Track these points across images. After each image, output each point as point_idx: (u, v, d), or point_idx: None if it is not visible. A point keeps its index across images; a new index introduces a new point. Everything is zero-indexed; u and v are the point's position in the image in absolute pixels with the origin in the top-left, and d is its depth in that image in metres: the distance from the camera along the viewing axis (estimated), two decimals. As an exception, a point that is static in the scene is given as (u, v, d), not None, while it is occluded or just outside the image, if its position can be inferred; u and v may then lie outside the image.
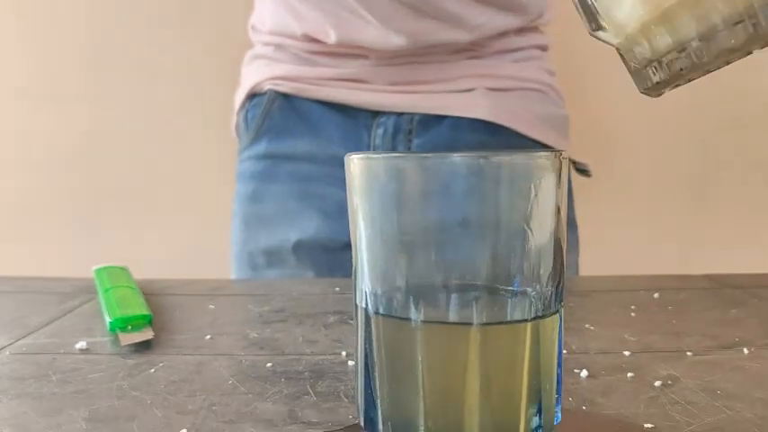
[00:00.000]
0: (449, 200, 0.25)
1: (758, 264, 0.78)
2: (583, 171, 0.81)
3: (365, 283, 0.26)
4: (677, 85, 0.28)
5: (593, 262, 0.85)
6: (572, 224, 0.80)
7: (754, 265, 0.74)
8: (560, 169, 0.26)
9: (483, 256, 0.25)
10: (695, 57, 0.26)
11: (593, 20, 0.30)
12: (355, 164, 0.26)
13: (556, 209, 0.26)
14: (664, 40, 0.27)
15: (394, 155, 0.26)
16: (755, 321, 0.50)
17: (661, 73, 0.28)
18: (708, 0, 0.25)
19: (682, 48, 0.26)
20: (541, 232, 0.26)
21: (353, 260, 0.27)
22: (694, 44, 0.26)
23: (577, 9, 0.30)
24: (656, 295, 0.58)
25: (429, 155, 0.25)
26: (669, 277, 0.65)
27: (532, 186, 0.25)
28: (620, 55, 0.29)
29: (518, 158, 0.25)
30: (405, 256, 0.25)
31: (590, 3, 0.29)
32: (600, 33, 0.29)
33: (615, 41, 0.29)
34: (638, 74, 0.29)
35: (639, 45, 0.28)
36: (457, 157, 0.25)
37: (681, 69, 0.27)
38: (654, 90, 0.28)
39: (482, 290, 0.25)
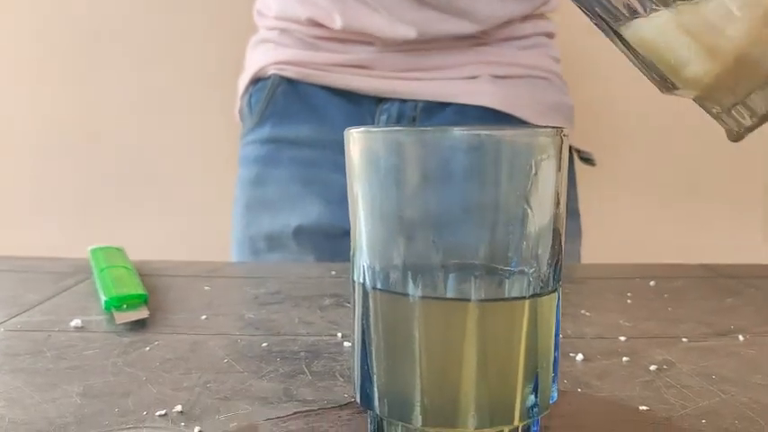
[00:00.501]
0: (448, 174, 0.25)
1: (756, 254, 0.79)
2: (587, 160, 0.81)
3: (363, 258, 0.26)
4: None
5: (595, 251, 0.85)
6: (574, 213, 0.80)
7: (751, 256, 0.74)
8: (561, 146, 0.26)
9: (482, 231, 0.25)
10: None
11: (664, 83, 0.30)
12: (355, 138, 0.26)
13: (556, 186, 0.26)
14: (744, 84, 0.28)
15: (394, 129, 0.25)
16: (751, 309, 0.50)
17: (747, 114, 0.29)
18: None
19: (763, 86, 0.27)
20: (541, 210, 0.25)
21: (351, 236, 0.27)
22: None
23: (647, 75, 0.31)
24: (652, 283, 0.58)
25: (429, 129, 0.25)
26: (665, 266, 0.65)
27: (533, 163, 0.25)
28: (699, 104, 0.30)
29: (519, 134, 0.25)
30: (403, 231, 0.25)
31: (659, 70, 0.29)
32: (676, 92, 0.30)
33: (692, 96, 0.30)
34: (722, 118, 0.30)
35: (718, 93, 0.29)
36: (457, 132, 0.24)
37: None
38: (746, 132, 0.30)
39: (480, 268, 0.25)
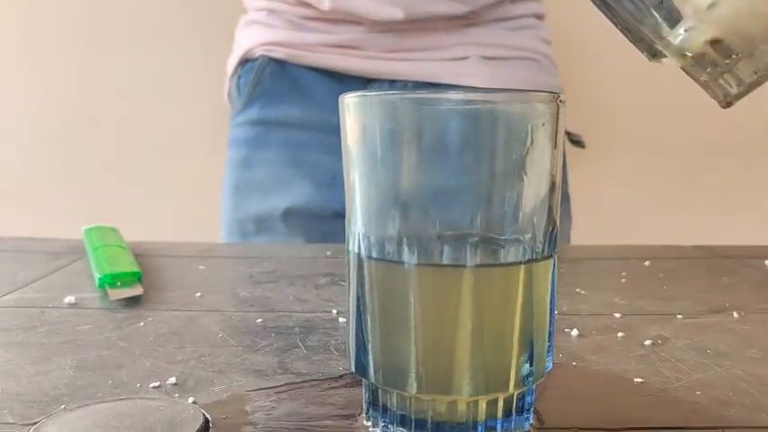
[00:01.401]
0: (443, 140, 0.24)
1: (751, 237, 0.79)
2: (577, 142, 0.81)
3: (358, 227, 0.26)
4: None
5: (585, 233, 0.85)
6: (565, 195, 0.80)
7: (746, 238, 0.74)
8: (557, 113, 0.26)
9: (478, 198, 0.25)
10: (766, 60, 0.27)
11: (649, 49, 0.30)
12: (350, 104, 0.26)
13: (552, 152, 0.26)
14: (729, 52, 0.28)
15: (389, 93, 0.25)
16: (746, 288, 0.50)
17: (734, 82, 0.29)
18: (762, 4, 0.26)
19: (750, 53, 0.27)
20: (537, 176, 0.25)
21: (346, 206, 0.27)
22: (762, 48, 0.27)
23: (630, 41, 0.30)
24: (646, 263, 0.58)
25: (424, 93, 0.25)
26: (660, 247, 0.65)
27: (529, 128, 0.24)
28: (686, 72, 0.30)
29: (514, 97, 0.25)
30: (399, 199, 0.25)
31: (644, 34, 0.29)
32: (662, 60, 0.30)
33: (679, 64, 0.30)
34: (710, 87, 0.30)
35: (705, 61, 0.29)
36: (452, 95, 0.24)
37: (755, 73, 0.28)
38: (735, 99, 0.29)
39: (476, 235, 0.25)
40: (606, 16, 0.32)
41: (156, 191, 1.24)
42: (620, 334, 0.39)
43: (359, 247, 0.26)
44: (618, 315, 0.43)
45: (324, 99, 0.75)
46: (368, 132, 0.25)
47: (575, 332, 0.39)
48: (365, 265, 0.26)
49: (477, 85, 0.73)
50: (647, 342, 0.38)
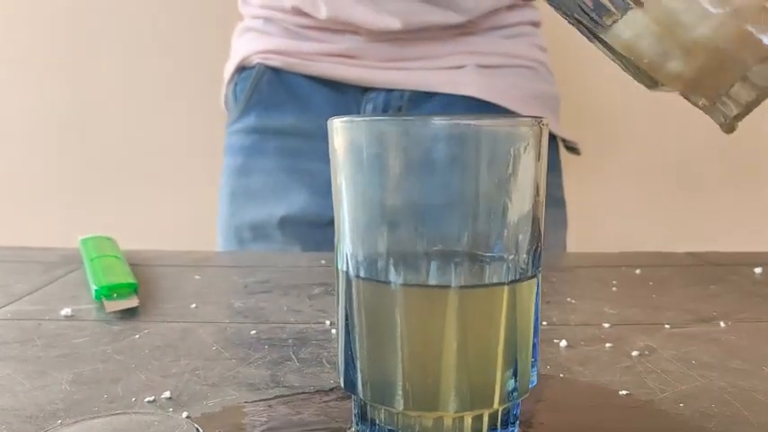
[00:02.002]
0: (430, 163, 0.25)
1: (743, 242, 0.79)
2: (572, 149, 0.82)
3: (346, 246, 0.27)
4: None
5: (580, 239, 0.86)
6: (560, 202, 0.81)
7: (738, 244, 0.75)
8: (540, 136, 0.26)
9: (463, 219, 0.25)
10: (759, 80, 0.28)
11: (646, 79, 0.30)
12: (338, 127, 0.27)
13: (535, 174, 0.26)
14: (724, 78, 0.28)
15: (376, 118, 0.26)
16: (733, 297, 0.51)
17: (732, 105, 0.29)
18: (749, 32, 0.27)
19: (743, 78, 0.28)
20: (520, 198, 0.26)
21: (335, 225, 0.28)
22: (754, 68, 0.27)
23: (630, 73, 0.31)
24: (637, 271, 0.59)
25: (411, 118, 0.25)
26: (652, 254, 0.66)
27: (512, 152, 0.25)
28: (685, 98, 0.31)
29: (498, 123, 0.26)
30: (386, 219, 0.26)
31: (640, 66, 0.30)
32: (658, 89, 0.31)
33: (676, 91, 0.30)
34: (710, 111, 0.30)
35: (700, 88, 0.29)
36: (438, 121, 0.25)
37: (752, 96, 0.29)
38: (735, 121, 0.30)
39: (461, 255, 0.26)
40: (602, 51, 0.32)
41: (153, 198, 1.25)
42: (608, 345, 0.40)
43: (347, 266, 0.27)
44: (607, 325, 0.44)
45: (320, 107, 0.76)
46: (355, 156, 0.26)
47: (563, 343, 0.40)
48: (353, 283, 0.26)
49: (474, 95, 0.74)
50: (635, 353, 0.38)
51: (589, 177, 1.10)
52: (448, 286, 0.25)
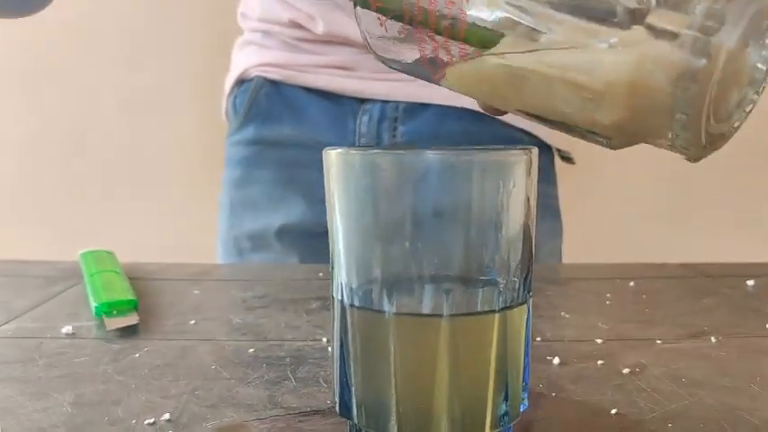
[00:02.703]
0: (423, 195, 0.26)
1: (737, 252, 0.80)
2: (567, 158, 0.82)
3: (341, 275, 0.27)
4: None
5: (575, 249, 0.87)
6: (555, 212, 0.82)
7: (732, 254, 0.75)
8: (530, 166, 0.27)
9: (455, 250, 0.26)
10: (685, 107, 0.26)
11: (600, 139, 0.29)
12: (332, 158, 0.27)
13: (525, 203, 0.27)
14: (659, 122, 0.26)
15: (370, 151, 0.26)
16: (725, 311, 0.51)
17: (687, 143, 0.27)
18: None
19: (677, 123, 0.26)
20: (511, 226, 0.27)
21: (330, 254, 0.28)
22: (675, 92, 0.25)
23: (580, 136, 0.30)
24: (631, 284, 0.59)
25: (403, 151, 0.26)
26: (646, 266, 0.66)
27: (502, 183, 0.26)
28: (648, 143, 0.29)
29: (489, 156, 0.26)
30: (380, 249, 0.26)
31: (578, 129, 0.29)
32: (615, 142, 0.29)
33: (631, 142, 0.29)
34: (675, 150, 0.28)
35: (642, 129, 0.27)
36: (430, 154, 0.26)
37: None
38: (701, 156, 0.28)
39: (454, 281, 0.26)
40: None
41: (153, 209, 1.25)
42: (599, 362, 0.41)
43: (341, 295, 0.27)
44: (599, 341, 0.44)
45: (318, 119, 0.77)
46: (350, 187, 0.27)
47: (556, 360, 0.41)
48: (347, 312, 0.27)
49: (468, 106, 0.75)
50: (626, 370, 0.39)
51: (584, 186, 1.10)
52: (440, 315, 0.26)
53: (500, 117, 0.75)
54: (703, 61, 0.24)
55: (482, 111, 0.34)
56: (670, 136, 0.26)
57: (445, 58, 0.29)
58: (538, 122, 0.31)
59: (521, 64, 0.27)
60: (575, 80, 0.26)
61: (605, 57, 0.25)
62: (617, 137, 0.28)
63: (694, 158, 0.28)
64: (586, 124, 0.28)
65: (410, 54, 0.31)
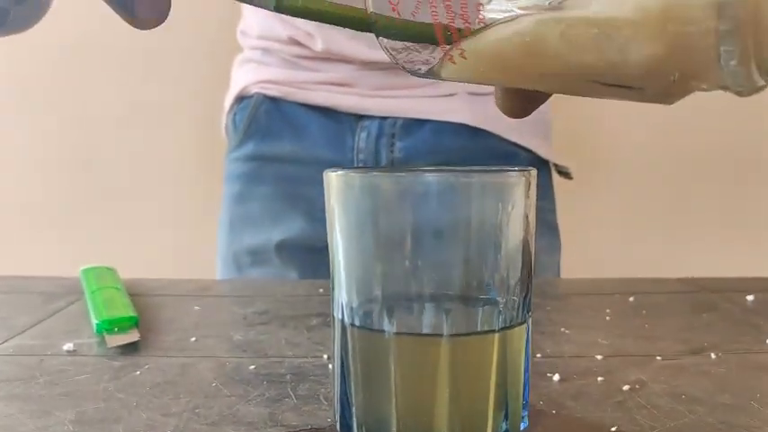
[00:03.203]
0: (422, 216, 0.26)
1: (735, 265, 0.80)
2: (564, 173, 0.83)
3: (342, 295, 0.28)
4: None
5: (574, 263, 0.87)
6: (552, 227, 0.82)
7: (731, 267, 0.76)
8: (529, 186, 0.27)
9: (455, 270, 0.26)
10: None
11: (634, 92, 0.26)
12: (333, 180, 0.28)
13: (524, 223, 0.27)
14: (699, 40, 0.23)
15: (370, 172, 0.27)
16: (724, 326, 0.52)
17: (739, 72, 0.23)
18: None
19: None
20: (510, 246, 0.27)
21: (330, 274, 0.29)
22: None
23: (618, 95, 0.27)
24: (631, 299, 0.60)
25: (403, 173, 0.26)
26: (645, 280, 0.67)
27: (501, 204, 0.26)
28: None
29: (488, 178, 0.27)
30: (380, 270, 0.27)
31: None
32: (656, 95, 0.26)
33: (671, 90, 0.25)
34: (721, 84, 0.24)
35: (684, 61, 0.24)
36: (430, 177, 0.26)
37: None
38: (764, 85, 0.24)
39: (454, 300, 0.26)
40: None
41: (154, 225, 1.26)
42: (599, 378, 0.41)
43: (342, 314, 0.28)
44: (599, 357, 0.45)
45: (317, 135, 0.77)
46: (350, 208, 0.27)
47: (556, 377, 0.41)
48: (348, 331, 0.27)
49: (465, 122, 0.75)
50: (626, 387, 0.39)
51: (581, 201, 1.11)
52: (440, 335, 0.26)
53: (497, 133, 0.76)
54: None
55: (499, 109, 0.31)
56: (716, 71, 0.23)
57: (462, 26, 0.26)
58: (563, 93, 0.28)
59: (542, 20, 0.25)
60: (603, 17, 0.24)
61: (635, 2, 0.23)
62: (654, 81, 0.25)
63: (748, 93, 0.24)
64: (619, 72, 0.25)
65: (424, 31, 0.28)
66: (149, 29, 0.29)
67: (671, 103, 0.26)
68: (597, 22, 0.24)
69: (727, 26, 0.22)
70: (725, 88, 0.24)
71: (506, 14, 0.25)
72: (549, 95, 0.29)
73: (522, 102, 0.30)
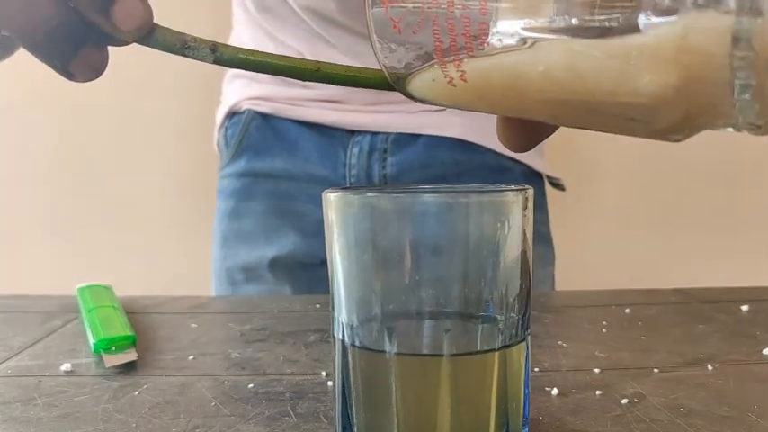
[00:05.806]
0: (421, 236, 0.26)
1: (730, 275, 0.81)
2: (557, 185, 0.83)
3: (342, 315, 0.28)
4: None
5: (567, 275, 0.87)
6: (547, 239, 0.82)
7: (725, 278, 0.76)
8: (526, 204, 0.28)
9: (454, 288, 0.26)
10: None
11: (642, 127, 0.26)
12: (331, 200, 0.28)
13: (522, 240, 0.28)
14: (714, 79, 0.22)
15: (368, 193, 0.27)
16: (720, 337, 0.52)
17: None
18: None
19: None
20: (508, 265, 0.27)
21: (330, 294, 0.29)
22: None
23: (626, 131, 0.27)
24: (627, 311, 0.60)
25: (402, 194, 0.26)
26: (640, 292, 0.67)
27: (498, 223, 0.26)
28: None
29: (486, 197, 0.27)
30: (379, 289, 0.27)
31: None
32: (660, 130, 0.26)
33: (679, 125, 0.25)
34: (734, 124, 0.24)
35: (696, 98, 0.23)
36: (428, 197, 0.26)
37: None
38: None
39: (454, 317, 0.27)
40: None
41: (149, 242, 1.25)
42: (598, 392, 0.41)
43: (342, 335, 0.28)
44: (597, 370, 0.45)
45: (308, 151, 0.77)
46: (348, 228, 0.27)
47: (555, 391, 0.41)
48: (349, 352, 0.27)
49: (457, 136, 0.76)
50: (624, 401, 0.39)
51: (574, 212, 1.11)
52: (440, 354, 0.26)
53: (490, 146, 0.76)
54: (758, 20, 0.21)
55: (501, 143, 0.30)
56: (729, 105, 0.22)
57: (464, 45, 0.25)
58: (567, 125, 0.28)
59: (549, 50, 0.24)
60: (616, 44, 0.23)
61: (648, 32, 0.22)
62: (662, 114, 0.24)
63: (763, 132, 0.23)
64: (628, 101, 0.24)
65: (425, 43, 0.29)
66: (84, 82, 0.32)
67: (677, 140, 0.26)
68: (609, 48, 0.23)
69: (742, 58, 0.21)
70: (735, 126, 0.24)
71: (513, 39, 0.25)
72: (554, 129, 0.29)
73: (526, 134, 0.29)
